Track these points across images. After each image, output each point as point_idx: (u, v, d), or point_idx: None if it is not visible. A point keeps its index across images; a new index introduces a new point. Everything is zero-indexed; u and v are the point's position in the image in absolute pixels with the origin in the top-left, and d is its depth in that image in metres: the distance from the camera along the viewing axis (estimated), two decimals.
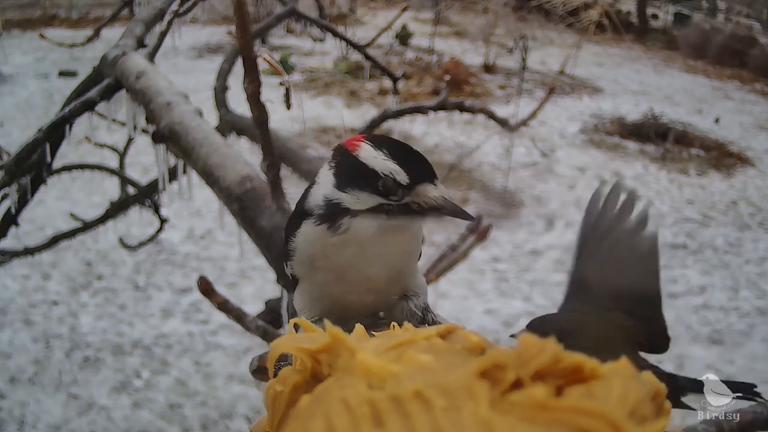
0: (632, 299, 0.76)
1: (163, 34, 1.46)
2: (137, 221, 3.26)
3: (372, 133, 0.50)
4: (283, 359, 0.40)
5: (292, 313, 1.11)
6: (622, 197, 0.81)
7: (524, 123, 2.51)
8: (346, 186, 0.50)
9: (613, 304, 0.75)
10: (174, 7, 1.52)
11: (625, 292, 0.77)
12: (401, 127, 4.56)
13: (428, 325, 0.57)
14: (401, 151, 0.49)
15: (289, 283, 0.61)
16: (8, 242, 2.03)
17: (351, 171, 0.50)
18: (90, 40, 2.41)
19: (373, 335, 0.37)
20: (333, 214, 0.51)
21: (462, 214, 0.50)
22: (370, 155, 0.49)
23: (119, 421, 2.75)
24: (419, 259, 0.60)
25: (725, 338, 3.46)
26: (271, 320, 1.60)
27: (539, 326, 0.70)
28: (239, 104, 1.83)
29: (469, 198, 5.03)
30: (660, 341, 0.76)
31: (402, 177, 0.48)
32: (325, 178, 0.52)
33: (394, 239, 0.52)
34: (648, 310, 0.77)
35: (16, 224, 1.80)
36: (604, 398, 0.26)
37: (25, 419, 2.74)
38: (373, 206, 0.50)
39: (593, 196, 0.83)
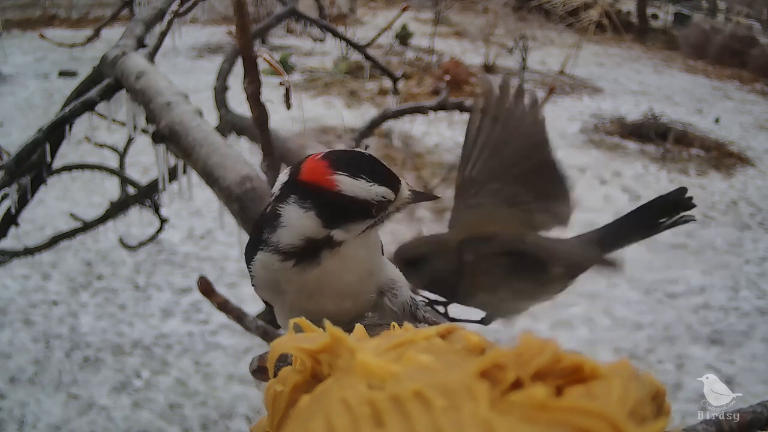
0: (523, 177, 0.76)
1: (163, 34, 1.46)
2: (137, 221, 3.25)
3: (325, 154, 0.49)
4: (283, 359, 0.40)
5: None
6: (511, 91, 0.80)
7: None
8: (337, 223, 0.48)
9: (505, 190, 0.76)
10: (174, 7, 1.52)
11: (514, 171, 0.77)
12: (401, 127, 4.56)
13: (418, 317, 0.58)
14: (371, 168, 0.48)
15: None
16: (8, 242, 2.03)
17: (340, 207, 0.47)
18: (90, 40, 2.42)
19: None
20: (314, 249, 0.50)
21: (428, 197, 0.54)
22: (355, 187, 0.47)
23: (119, 421, 2.75)
24: (382, 251, 0.59)
25: (725, 338, 3.45)
26: (271, 320, 1.59)
27: (399, 253, 0.74)
28: (239, 104, 1.83)
29: None
30: (563, 209, 0.76)
31: (389, 194, 0.49)
32: (300, 219, 0.48)
33: (369, 248, 0.53)
34: (545, 180, 0.77)
35: (16, 224, 1.80)
36: (604, 398, 0.26)
37: (25, 419, 2.74)
38: (363, 229, 0.50)
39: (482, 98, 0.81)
